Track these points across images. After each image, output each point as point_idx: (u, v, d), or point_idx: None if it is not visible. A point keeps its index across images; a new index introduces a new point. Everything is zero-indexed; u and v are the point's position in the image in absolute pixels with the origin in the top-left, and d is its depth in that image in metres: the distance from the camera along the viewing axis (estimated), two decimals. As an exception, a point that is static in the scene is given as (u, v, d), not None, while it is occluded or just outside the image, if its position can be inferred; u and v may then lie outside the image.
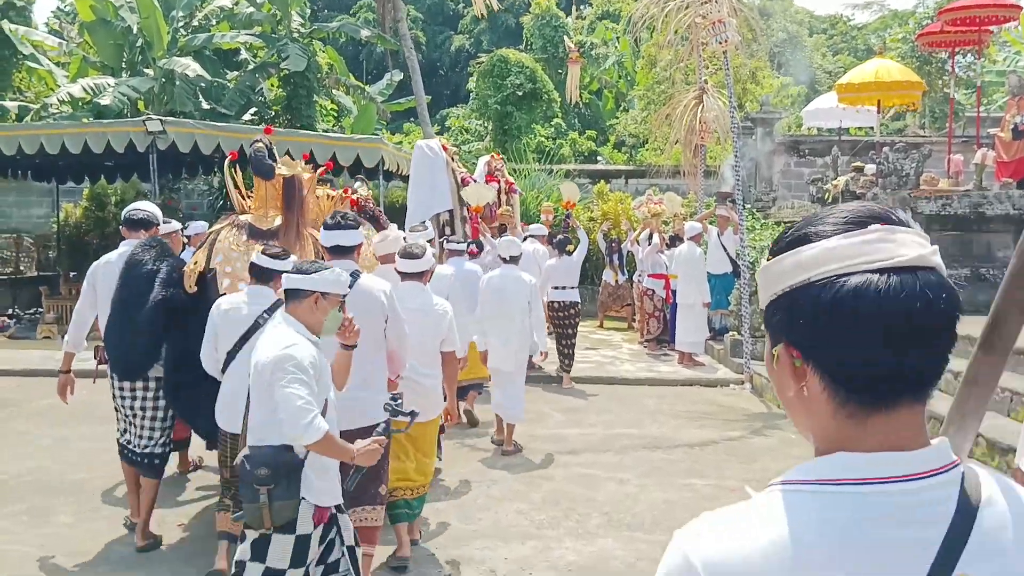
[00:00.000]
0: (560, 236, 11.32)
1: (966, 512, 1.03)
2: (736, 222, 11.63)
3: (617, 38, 30.58)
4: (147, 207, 6.05)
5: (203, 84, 21.36)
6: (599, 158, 25.61)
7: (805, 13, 42.79)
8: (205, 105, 21.17)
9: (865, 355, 1.04)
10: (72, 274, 16.93)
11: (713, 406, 9.75)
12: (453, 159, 11.05)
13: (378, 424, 4.14)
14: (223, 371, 4.74)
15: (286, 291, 3.78)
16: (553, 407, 9.55)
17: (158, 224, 6.05)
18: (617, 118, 26.74)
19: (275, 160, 5.67)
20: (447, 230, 10.47)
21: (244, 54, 24.26)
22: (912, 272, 1.04)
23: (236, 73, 23.32)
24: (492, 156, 13.00)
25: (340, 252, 4.74)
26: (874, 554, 1.01)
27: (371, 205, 7.94)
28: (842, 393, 1.07)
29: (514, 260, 8.03)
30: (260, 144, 5.67)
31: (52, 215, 19.46)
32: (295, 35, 22.82)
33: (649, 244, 13.57)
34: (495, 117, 24.27)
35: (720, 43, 10.28)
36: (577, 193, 13.90)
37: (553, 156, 22.44)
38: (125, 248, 5.65)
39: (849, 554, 1.01)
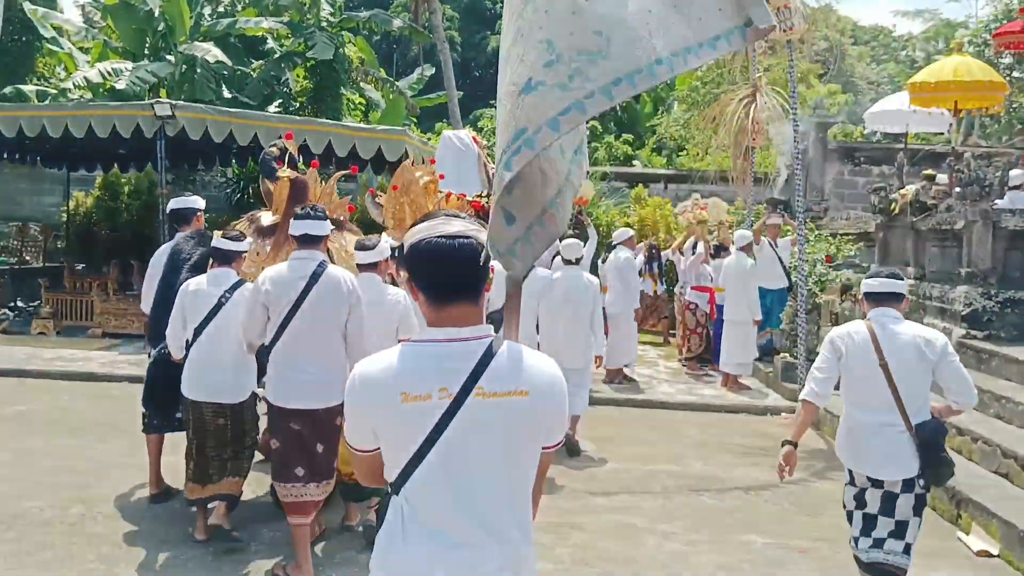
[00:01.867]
0: (571, 232, 10.27)
1: (487, 356, 2.10)
2: (795, 230, 10.54)
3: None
4: (184, 202, 6.47)
5: (225, 72, 20.44)
6: (636, 162, 24.48)
7: (848, 21, 41.58)
8: (227, 93, 20.19)
9: (430, 276, 2.15)
10: (80, 266, 15.83)
11: (765, 439, 8.50)
12: (484, 154, 9.99)
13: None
14: (189, 346, 5.33)
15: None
16: (581, 434, 8.36)
17: (198, 212, 6.46)
18: (658, 121, 25.56)
19: (293, 164, 6.28)
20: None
21: (270, 42, 23.30)
22: (452, 238, 2.11)
23: (260, 62, 22.35)
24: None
25: (308, 241, 4.90)
26: (436, 374, 2.08)
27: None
28: (428, 297, 2.16)
29: (577, 262, 8.09)
30: (273, 149, 6.38)
31: (63, 204, 18.52)
32: (323, 24, 21.83)
33: (693, 253, 12.45)
34: (529, 116, 23.19)
35: (785, 30, 9.13)
36: (590, 190, 13.02)
37: (588, 159, 21.41)
38: (177, 240, 6.27)
39: (425, 374, 2.08)
